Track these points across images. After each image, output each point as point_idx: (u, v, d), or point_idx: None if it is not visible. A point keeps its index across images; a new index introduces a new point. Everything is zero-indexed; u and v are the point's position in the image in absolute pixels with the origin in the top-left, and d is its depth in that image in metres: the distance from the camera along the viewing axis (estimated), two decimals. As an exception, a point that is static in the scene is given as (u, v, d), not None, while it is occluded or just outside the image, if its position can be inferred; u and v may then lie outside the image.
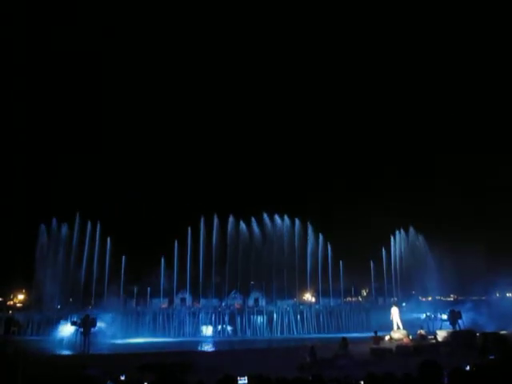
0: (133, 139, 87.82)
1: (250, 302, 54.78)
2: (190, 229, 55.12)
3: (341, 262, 56.13)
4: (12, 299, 65.73)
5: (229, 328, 50.96)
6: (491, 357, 15.04)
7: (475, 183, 74.68)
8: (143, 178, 79.02)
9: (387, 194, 76.18)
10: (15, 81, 79.88)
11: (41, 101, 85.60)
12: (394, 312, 37.81)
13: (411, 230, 58.58)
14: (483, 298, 56.36)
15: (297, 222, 56.59)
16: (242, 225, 55.19)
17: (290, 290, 56.29)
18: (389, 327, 37.77)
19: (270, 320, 51.81)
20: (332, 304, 55.46)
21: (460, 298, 60.13)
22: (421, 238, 58.04)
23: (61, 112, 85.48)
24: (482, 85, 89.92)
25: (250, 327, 51.15)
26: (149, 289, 53.23)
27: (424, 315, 45.20)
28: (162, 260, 54.27)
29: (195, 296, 54.37)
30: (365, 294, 63.46)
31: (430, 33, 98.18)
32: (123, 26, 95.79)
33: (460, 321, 37.82)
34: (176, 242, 54.62)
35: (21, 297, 64.67)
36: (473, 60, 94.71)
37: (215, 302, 53.48)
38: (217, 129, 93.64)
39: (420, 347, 28.76)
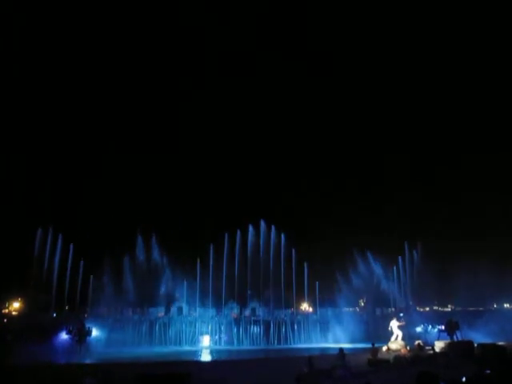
0: (132, 148, 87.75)
1: (247, 312, 54.55)
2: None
3: (337, 273, 56.18)
4: (7, 307, 65.25)
5: (225, 337, 50.68)
6: (487, 371, 14.98)
7: (473, 192, 74.75)
8: (143, 186, 78.70)
9: (386, 204, 76.48)
10: (15, 81, 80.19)
11: (39, 104, 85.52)
12: (394, 323, 37.82)
13: (408, 240, 58.65)
14: (481, 308, 56.35)
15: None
16: (239, 234, 55.33)
17: (288, 300, 56.22)
18: (386, 338, 37.71)
19: (266, 330, 51.56)
20: (329, 314, 55.26)
21: (457, 308, 60.09)
22: (417, 248, 58.03)
23: (61, 116, 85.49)
24: (482, 86, 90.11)
25: (246, 337, 50.90)
26: (145, 297, 52.96)
27: (419, 328, 45.19)
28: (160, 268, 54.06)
29: (192, 305, 54.15)
30: (362, 304, 63.26)
31: (429, 34, 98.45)
32: (126, 29, 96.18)
33: (458, 332, 37.72)
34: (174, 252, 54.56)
35: (16, 305, 64.20)
36: (472, 61, 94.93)
37: (212, 311, 53.26)
38: (214, 136, 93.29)
39: (417, 358, 28.68)
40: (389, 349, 35.02)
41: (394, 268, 57.60)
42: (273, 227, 56.20)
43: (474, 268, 49.92)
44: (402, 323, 38.39)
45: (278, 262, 55.17)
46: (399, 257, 57.94)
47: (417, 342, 35.20)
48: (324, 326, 53.12)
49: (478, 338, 36.11)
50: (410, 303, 58.30)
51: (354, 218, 73.23)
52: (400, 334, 37.17)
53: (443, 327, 39.04)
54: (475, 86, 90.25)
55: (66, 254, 53.28)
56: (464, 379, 13.34)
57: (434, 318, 46.60)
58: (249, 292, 55.60)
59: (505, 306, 63.38)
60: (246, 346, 49.37)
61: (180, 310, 53.68)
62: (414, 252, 57.59)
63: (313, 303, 60.31)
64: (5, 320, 53.07)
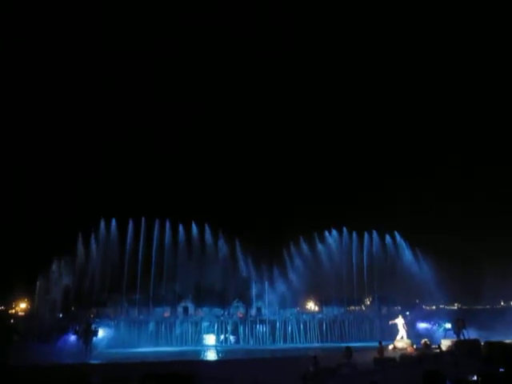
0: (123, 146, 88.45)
1: (253, 311, 54.51)
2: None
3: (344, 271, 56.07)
4: (14, 308, 65.59)
5: (231, 337, 50.65)
6: (501, 369, 14.85)
7: (478, 190, 74.52)
8: (141, 186, 79.09)
9: (388, 202, 76.38)
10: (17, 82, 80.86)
11: (44, 101, 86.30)
12: (399, 322, 37.70)
13: (414, 239, 58.38)
14: (487, 306, 56.06)
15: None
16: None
17: (293, 299, 56.11)
18: (392, 336, 37.57)
19: (272, 329, 51.48)
20: (335, 313, 55.10)
21: (464, 306, 59.83)
22: (424, 246, 57.78)
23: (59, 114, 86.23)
24: (482, 86, 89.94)
25: (252, 336, 50.85)
26: (151, 297, 52.97)
27: (425, 324, 44.99)
28: (165, 269, 54.05)
29: (198, 305, 54.17)
30: (368, 302, 63.04)
31: (429, 34, 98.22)
32: (127, 24, 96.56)
33: (464, 330, 37.51)
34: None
35: (23, 305, 64.54)
36: (473, 61, 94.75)
37: (218, 310, 53.25)
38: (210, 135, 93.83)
39: (424, 356, 28.53)
40: (395, 347, 34.91)
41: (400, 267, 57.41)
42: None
43: (481, 266, 49.71)
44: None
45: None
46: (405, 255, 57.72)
47: (423, 341, 35.00)
48: (330, 325, 52.93)
49: (485, 336, 35.85)
50: (417, 301, 58.04)
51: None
52: (405, 332, 37.04)
53: (449, 325, 38.91)
54: (477, 89, 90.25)
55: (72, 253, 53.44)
56: (475, 378, 13.21)
57: (440, 317, 46.37)
58: (254, 291, 55.55)
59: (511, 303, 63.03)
60: (252, 345, 49.33)
61: (186, 309, 53.74)
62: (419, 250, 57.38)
63: (319, 302, 60.18)
64: (11, 320, 53.33)
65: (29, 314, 56.18)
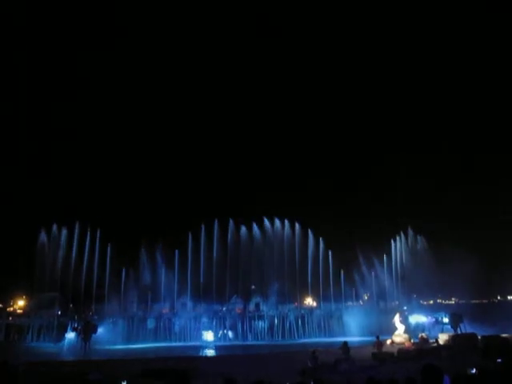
0: (132, 143, 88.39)
1: (251, 307, 54.55)
2: (190, 234, 55.06)
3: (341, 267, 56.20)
4: (12, 305, 65.47)
5: (230, 333, 50.71)
6: (498, 360, 14.95)
7: (474, 185, 74.85)
8: (143, 184, 79.09)
9: (387, 194, 76.74)
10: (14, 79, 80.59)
11: (37, 99, 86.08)
12: (397, 317, 37.90)
13: (411, 232, 58.50)
14: (485, 301, 56.31)
15: (297, 226, 56.55)
16: (243, 229, 55.23)
17: (291, 295, 56.18)
18: (390, 331, 37.74)
19: (271, 325, 51.56)
20: (333, 308, 55.21)
21: (461, 301, 60.05)
22: (421, 241, 57.92)
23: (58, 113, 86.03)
24: (481, 86, 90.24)
25: (251, 332, 50.91)
26: (150, 294, 53.01)
27: (422, 318, 45.23)
28: (163, 265, 54.04)
29: (196, 301, 54.18)
30: (366, 298, 63.18)
31: (428, 34, 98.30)
32: (123, 24, 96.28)
33: (461, 324, 37.73)
34: (177, 247, 54.54)
35: (21, 303, 64.42)
36: (472, 61, 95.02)
37: (216, 306, 53.28)
38: (213, 131, 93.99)
39: (422, 351, 28.71)
40: (393, 342, 35.09)
41: (398, 262, 57.62)
42: (277, 221, 56.22)
43: (478, 261, 49.88)
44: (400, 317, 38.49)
45: (282, 257, 55.18)
46: (402, 250, 57.91)
47: (421, 335, 35.21)
48: (328, 321, 53.04)
49: (482, 330, 36.07)
50: (414, 296, 58.25)
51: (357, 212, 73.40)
52: (402, 327, 37.23)
53: (446, 320, 39.13)
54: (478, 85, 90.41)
55: (69, 250, 53.41)
56: (474, 371, 13.27)
57: (438, 311, 46.59)
58: (252, 287, 55.61)
59: (508, 297, 63.30)
60: (251, 340, 49.41)
61: (184, 305, 53.74)
62: (417, 245, 57.50)
63: (316, 297, 60.26)
64: (10, 318, 53.29)
65: (27, 311, 56.12)
